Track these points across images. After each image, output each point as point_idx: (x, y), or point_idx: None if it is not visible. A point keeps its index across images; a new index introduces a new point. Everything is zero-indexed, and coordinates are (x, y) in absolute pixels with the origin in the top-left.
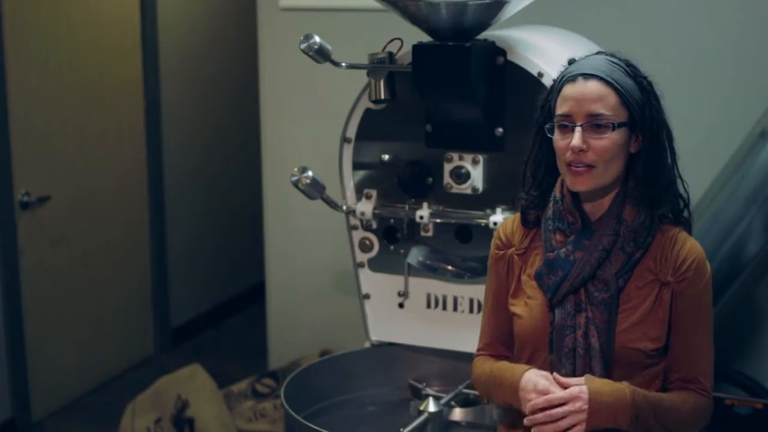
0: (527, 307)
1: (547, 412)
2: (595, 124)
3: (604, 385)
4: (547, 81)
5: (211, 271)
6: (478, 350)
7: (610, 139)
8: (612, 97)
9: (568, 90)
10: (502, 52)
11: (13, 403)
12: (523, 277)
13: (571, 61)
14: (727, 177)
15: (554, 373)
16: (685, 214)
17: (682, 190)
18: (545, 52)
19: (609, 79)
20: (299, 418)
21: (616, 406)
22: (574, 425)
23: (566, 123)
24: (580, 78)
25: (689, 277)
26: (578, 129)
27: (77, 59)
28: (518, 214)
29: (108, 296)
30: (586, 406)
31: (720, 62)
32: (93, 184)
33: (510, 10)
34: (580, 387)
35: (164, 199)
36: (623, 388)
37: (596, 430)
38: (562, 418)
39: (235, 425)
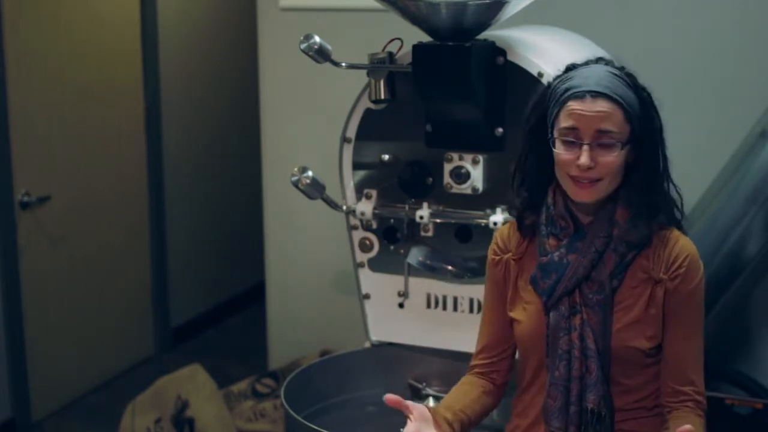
0: (525, 312)
1: None
2: (602, 142)
3: None
4: (548, 81)
5: (211, 271)
6: (474, 358)
7: (616, 156)
8: (618, 115)
9: (575, 106)
10: (502, 52)
11: (13, 403)
12: (520, 283)
13: (569, 68)
14: (727, 177)
15: None
16: (677, 215)
17: (673, 192)
18: (545, 52)
19: (616, 96)
20: (299, 418)
21: None
22: None
23: (572, 139)
24: (588, 96)
25: (682, 274)
26: (586, 147)
27: (77, 59)
28: (514, 221)
29: (108, 296)
30: None
31: (720, 62)
32: (93, 184)
33: (510, 10)
34: None
35: (164, 199)
36: None
37: None
38: None
39: (235, 425)
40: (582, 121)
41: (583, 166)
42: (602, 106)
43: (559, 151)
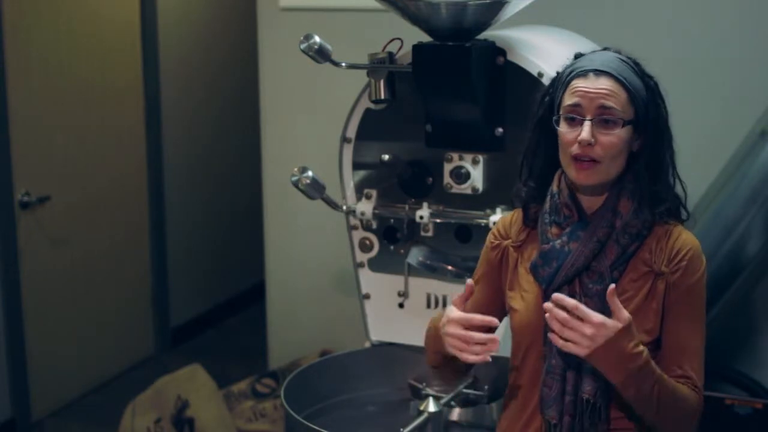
0: (523, 301)
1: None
2: (604, 119)
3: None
4: (547, 81)
5: (211, 271)
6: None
7: (617, 135)
8: (622, 95)
9: (579, 84)
10: (502, 52)
11: (13, 403)
12: (520, 270)
13: (577, 56)
14: (727, 177)
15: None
16: (683, 214)
17: (679, 189)
18: (545, 52)
19: (620, 77)
20: (299, 418)
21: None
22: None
23: (575, 115)
24: (591, 74)
25: (683, 267)
26: (587, 123)
27: (77, 59)
28: (518, 210)
29: (108, 296)
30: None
31: (720, 62)
32: (93, 184)
33: (510, 10)
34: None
35: (164, 199)
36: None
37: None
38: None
39: (235, 425)
40: (585, 98)
41: (583, 141)
42: (605, 84)
43: (563, 129)
